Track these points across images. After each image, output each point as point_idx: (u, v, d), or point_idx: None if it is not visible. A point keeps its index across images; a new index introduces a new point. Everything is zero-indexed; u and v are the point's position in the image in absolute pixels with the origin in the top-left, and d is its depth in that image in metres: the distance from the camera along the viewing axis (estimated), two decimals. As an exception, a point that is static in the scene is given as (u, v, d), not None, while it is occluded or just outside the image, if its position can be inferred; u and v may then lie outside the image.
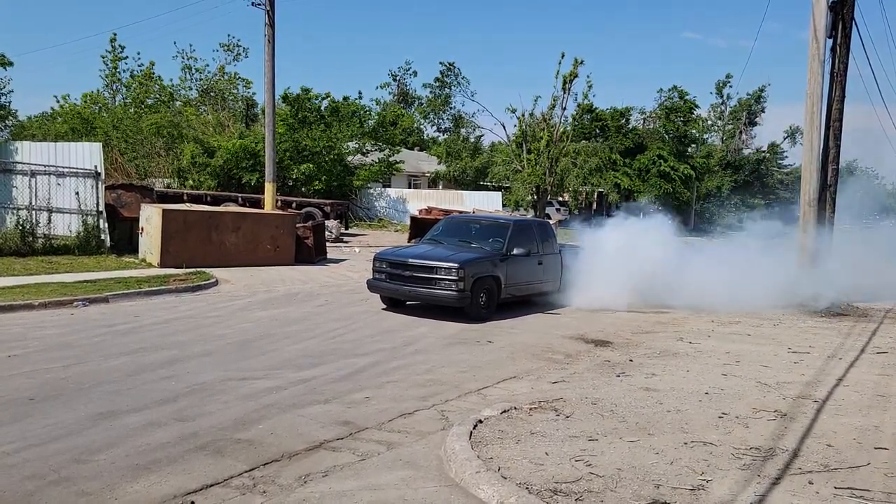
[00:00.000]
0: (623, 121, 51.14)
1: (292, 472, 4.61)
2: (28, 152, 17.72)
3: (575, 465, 4.56)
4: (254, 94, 43.57)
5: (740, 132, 52.64)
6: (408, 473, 4.61)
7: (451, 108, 43.11)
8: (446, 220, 13.57)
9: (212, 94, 40.46)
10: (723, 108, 53.23)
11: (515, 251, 11.46)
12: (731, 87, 52.34)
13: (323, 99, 34.71)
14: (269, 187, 21.40)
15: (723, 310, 12.52)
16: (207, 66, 53.71)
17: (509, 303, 11.79)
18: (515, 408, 5.89)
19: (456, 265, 10.49)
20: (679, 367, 7.95)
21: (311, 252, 18.26)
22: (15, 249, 14.81)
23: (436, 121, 44.29)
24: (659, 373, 7.57)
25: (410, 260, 10.98)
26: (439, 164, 46.06)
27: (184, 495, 4.18)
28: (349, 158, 35.58)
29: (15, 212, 16.26)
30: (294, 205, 27.30)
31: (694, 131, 52.07)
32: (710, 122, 53.82)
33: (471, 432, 5.14)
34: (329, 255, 19.66)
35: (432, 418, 5.90)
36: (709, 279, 12.95)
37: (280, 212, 20.11)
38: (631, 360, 8.30)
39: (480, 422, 5.44)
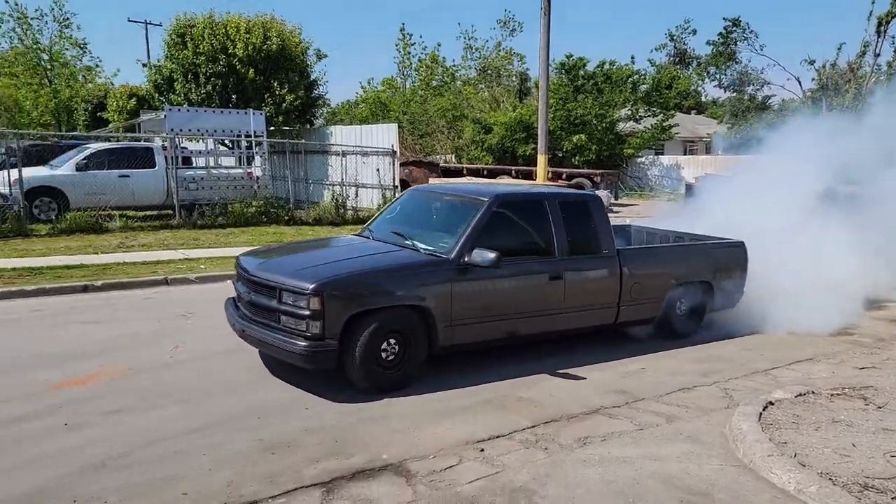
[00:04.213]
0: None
1: (571, 432, 4.79)
2: (340, 135, 20.53)
3: (890, 462, 4.04)
4: (527, 68, 44.60)
5: None
6: (689, 448, 4.51)
7: (736, 63, 39.45)
8: (408, 194, 7.56)
9: (488, 71, 42.34)
10: None
11: (477, 256, 5.70)
12: None
13: (597, 67, 34.28)
14: (541, 159, 21.89)
15: None
16: (487, 42, 56.22)
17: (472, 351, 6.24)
18: (813, 392, 5.37)
19: (309, 286, 5.23)
20: None
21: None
22: (331, 220, 17.25)
23: (718, 76, 40.85)
24: None
25: (253, 272, 5.83)
26: (719, 124, 42.66)
27: (475, 442, 4.61)
28: (620, 126, 34.75)
29: (330, 187, 19.01)
30: (564, 175, 27.58)
31: None
32: None
33: (760, 413, 4.82)
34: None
35: (714, 395, 5.64)
36: None
37: (551, 183, 20.48)
38: (966, 351, 6.99)
39: (771, 403, 5.06)
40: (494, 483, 4.01)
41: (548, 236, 6.41)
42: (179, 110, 17.89)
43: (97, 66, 37.62)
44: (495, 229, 6.06)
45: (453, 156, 34.39)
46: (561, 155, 33.33)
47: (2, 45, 34.75)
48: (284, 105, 22.23)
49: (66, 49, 34.41)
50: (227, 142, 19.53)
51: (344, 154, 19.12)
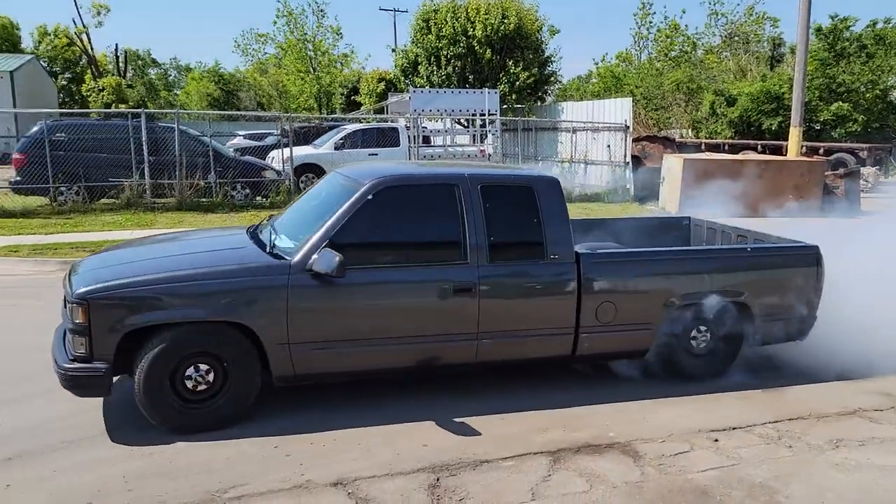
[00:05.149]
0: None
1: (822, 433, 4.40)
2: (570, 111, 20.46)
3: None
4: (781, 33, 40.39)
5: None
6: (974, 467, 3.90)
7: None
8: (327, 176, 5.81)
9: (735, 38, 39.03)
10: None
11: (320, 261, 4.30)
12: None
13: (867, 27, 29.94)
14: (793, 132, 19.74)
15: None
16: (737, 6, 51.83)
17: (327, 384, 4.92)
18: None
19: (74, 293, 4.22)
20: None
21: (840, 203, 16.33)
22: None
23: None
24: None
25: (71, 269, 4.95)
26: None
27: (708, 431, 4.43)
28: (895, 94, 30.06)
29: (559, 164, 19.07)
30: (821, 151, 24.64)
31: None
32: None
33: None
34: (863, 208, 17.22)
35: None
36: None
37: (805, 158, 18.44)
38: None
39: None
40: (730, 475, 3.85)
41: (456, 234, 4.71)
42: (422, 92, 19.12)
43: (352, 52, 41.57)
44: (372, 225, 4.60)
45: (690, 130, 32.39)
46: (818, 128, 29.76)
47: (278, 38, 39.95)
48: (518, 83, 22.63)
49: (326, 38, 38.49)
50: (462, 120, 20.45)
51: (574, 130, 19.01)
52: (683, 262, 5.40)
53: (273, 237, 4.82)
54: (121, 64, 45.31)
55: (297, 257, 4.40)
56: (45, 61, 43.10)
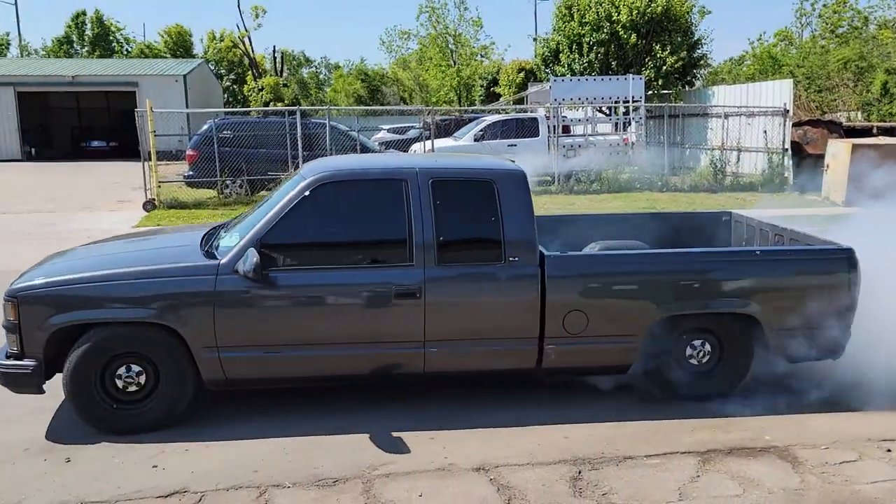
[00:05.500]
0: None
1: None
2: (721, 96, 19.33)
3: None
4: (974, -3, 35.57)
5: None
6: None
7: None
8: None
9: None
10: None
11: (241, 263, 4.10)
12: None
13: None
14: None
15: None
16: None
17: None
18: None
19: (12, 287, 4.29)
20: None
21: None
22: (707, 187, 16.47)
23: None
24: None
25: None
26: None
27: (879, 440, 4.10)
28: None
29: (709, 152, 18.07)
30: None
31: None
32: None
33: None
34: None
35: None
36: None
37: None
38: None
39: None
40: (906, 490, 3.52)
41: (402, 233, 4.32)
42: (563, 80, 18.85)
43: (492, 43, 41.80)
44: (309, 223, 4.37)
45: (859, 113, 29.46)
46: None
47: (421, 33, 41.05)
48: (665, 68, 21.71)
49: (468, 31, 39.00)
50: (604, 108, 19.95)
51: (726, 116, 17.95)
52: (673, 266, 4.67)
53: (222, 236, 4.68)
54: (277, 64, 48.55)
55: (227, 258, 4.22)
56: (212, 64, 47.05)
